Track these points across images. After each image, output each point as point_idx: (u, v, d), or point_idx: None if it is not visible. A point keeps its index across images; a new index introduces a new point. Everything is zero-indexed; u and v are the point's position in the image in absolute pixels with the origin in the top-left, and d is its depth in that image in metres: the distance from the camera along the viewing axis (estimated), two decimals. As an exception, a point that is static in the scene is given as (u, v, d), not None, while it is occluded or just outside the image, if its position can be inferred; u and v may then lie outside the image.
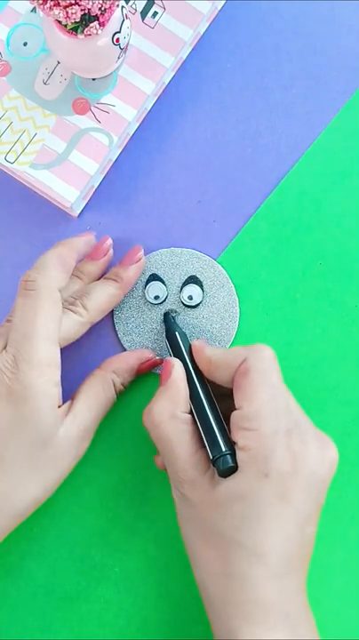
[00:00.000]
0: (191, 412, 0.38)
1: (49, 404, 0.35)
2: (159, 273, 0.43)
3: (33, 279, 0.36)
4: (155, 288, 0.43)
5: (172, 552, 0.41)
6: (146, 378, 0.42)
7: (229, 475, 0.34)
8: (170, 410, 0.37)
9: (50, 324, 0.36)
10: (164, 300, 0.43)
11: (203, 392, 0.38)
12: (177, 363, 0.39)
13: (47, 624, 0.41)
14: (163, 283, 0.43)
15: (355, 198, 0.44)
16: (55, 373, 0.36)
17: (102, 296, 0.40)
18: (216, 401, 0.38)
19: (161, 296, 0.43)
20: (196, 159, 0.45)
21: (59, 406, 0.37)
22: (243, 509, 0.33)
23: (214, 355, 0.38)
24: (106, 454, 0.42)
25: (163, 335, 0.42)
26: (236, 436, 0.35)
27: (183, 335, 0.41)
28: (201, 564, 0.35)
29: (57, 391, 0.36)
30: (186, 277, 0.43)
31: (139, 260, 0.42)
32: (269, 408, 0.35)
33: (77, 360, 0.41)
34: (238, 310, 0.43)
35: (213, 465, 0.35)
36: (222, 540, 0.34)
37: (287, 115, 0.45)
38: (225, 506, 0.34)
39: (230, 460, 0.35)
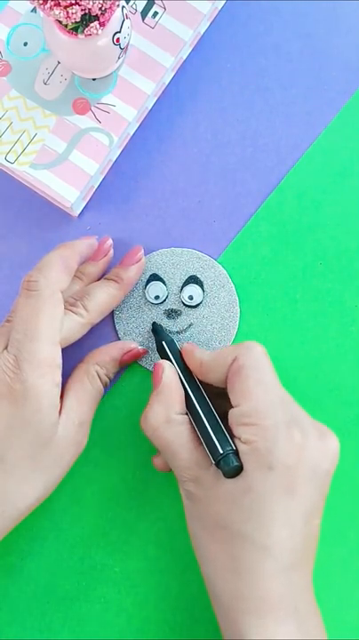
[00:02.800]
0: (187, 412, 0.38)
1: (50, 404, 0.36)
2: (159, 273, 0.43)
3: (35, 280, 0.36)
4: (155, 288, 0.43)
5: (172, 552, 0.41)
6: (146, 378, 0.42)
7: (235, 475, 0.34)
8: (164, 414, 0.37)
9: (52, 325, 0.36)
10: (165, 300, 0.43)
11: (197, 396, 0.38)
12: (167, 365, 0.39)
13: (47, 624, 0.41)
14: (164, 283, 0.43)
15: (354, 198, 0.44)
16: (56, 373, 0.36)
17: (103, 297, 0.40)
18: (212, 400, 0.38)
19: (161, 296, 0.43)
20: (196, 159, 0.45)
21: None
22: (248, 503, 0.34)
23: (204, 356, 0.38)
24: (106, 454, 0.42)
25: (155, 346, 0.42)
26: (237, 431, 0.35)
27: (171, 343, 0.41)
28: (209, 560, 0.35)
29: (57, 391, 0.36)
30: (186, 277, 0.43)
31: (140, 260, 0.42)
32: (266, 402, 0.35)
33: (78, 360, 0.41)
34: (238, 310, 0.43)
35: (217, 467, 0.35)
36: (229, 535, 0.34)
37: (287, 115, 0.45)
38: (230, 500, 0.34)
39: (234, 460, 0.34)
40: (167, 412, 0.37)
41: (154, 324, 0.42)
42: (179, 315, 0.43)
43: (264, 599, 0.33)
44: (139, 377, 0.43)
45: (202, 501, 0.35)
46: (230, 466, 0.34)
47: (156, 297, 0.43)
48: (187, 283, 0.43)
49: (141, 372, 0.43)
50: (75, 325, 0.38)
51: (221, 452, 0.35)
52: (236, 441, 0.35)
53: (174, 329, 0.43)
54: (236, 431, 0.35)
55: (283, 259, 0.44)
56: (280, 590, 0.33)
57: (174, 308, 0.43)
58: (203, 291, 0.43)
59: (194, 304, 0.43)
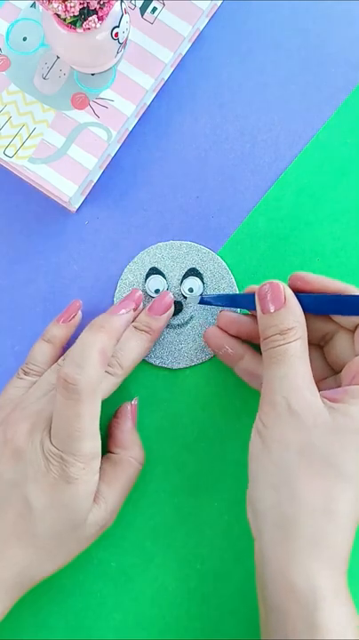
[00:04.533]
0: None
1: (87, 491, 0.36)
2: (159, 266, 0.43)
3: (73, 382, 0.34)
4: (155, 281, 0.43)
5: (169, 547, 0.41)
6: (146, 378, 0.42)
7: None
8: (300, 326, 0.35)
9: (93, 423, 0.35)
10: None
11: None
12: (284, 284, 0.37)
13: (43, 618, 0.41)
14: (164, 276, 0.43)
15: (353, 194, 0.44)
16: (97, 463, 0.36)
17: (137, 351, 0.40)
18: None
19: (161, 289, 0.43)
20: (195, 154, 0.45)
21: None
22: (354, 441, 0.33)
23: (344, 288, 0.37)
24: (103, 450, 0.42)
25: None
26: None
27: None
28: (299, 495, 0.33)
29: (96, 479, 0.36)
30: (186, 270, 0.43)
31: (169, 307, 0.42)
32: None
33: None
34: (238, 301, 0.43)
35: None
36: (335, 473, 0.33)
37: (286, 111, 0.45)
38: (346, 436, 0.33)
39: None
40: (300, 325, 0.35)
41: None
42: (179, 307, 0.43)
43: (342, 548, 0.32)
44: (137, 372, 0.43)
45: (309, 429, 0.33)
46: None
47: (157, 290, 0.43)
48: (186, 275, 0.43)
49: (140, 367, 0.43)
50: (111, 386, 0.39)
51: None
52: (357, 388, 0.34)
53: (175, 322, 0.43)
54: None
55: (281, 254, 0.44)
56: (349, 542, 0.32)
57: (175, 301, 0.43)
58: (203, 283, 0.43)
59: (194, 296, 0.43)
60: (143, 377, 0.43)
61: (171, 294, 0.42)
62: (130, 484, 0.39)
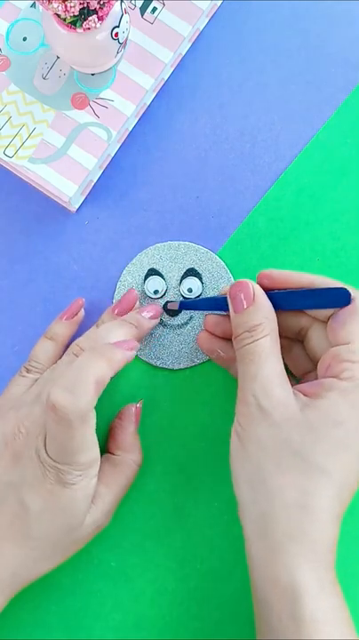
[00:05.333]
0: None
1: (85, 495, 0.36)
2: (157, 267, 0.43)
3: (63, 410, 0.33)
4: (154, 282, 0.43)
5: (169, 547, 0.41)
6: (146, 378, 0.42)
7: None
8: (268, 322, 0.35)
9: (88, 439, 0.35)
10: (164, 294, 0.43)
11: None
12: (252, 282, 0.37)
13: (42, 617, 0.41)
14: (162, 277, 0.43)
15: (353, 194, 0.44)
16: (96, 468, 0.36)
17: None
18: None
19: (160, 290, 0.43)
20: (195, 155, 0.45)
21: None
22: (338, 435, 0.33)
23: (314, 280, 0.37)
24: (102, 450, 0.42)
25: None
26: (338, 367, 0.34)
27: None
28: (272, 491, 0.33)
29: (94, 482, 0.36)
30: (184, 270, 0.43)
31: (135, 301, 0.42)
32: None
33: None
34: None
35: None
36: (307, 467, 0.33)
37: (286, 111, 0.45)
38: (319, 429, 0.33)
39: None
40: (269, 322, 0.36)
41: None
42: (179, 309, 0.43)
43: (325, 545, 0.32)
44: (137, 372, 0.43)
45: (280, 425, 0.33)
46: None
47: (156, 291, 0.43)
48: (185, 276, 0.43)
49: (140, 368, 0.43)
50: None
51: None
52: (330, 380, 0.34)
53: (175, 323, 0.43)
54: (337, 367, 0.34)
55: (281, 254, 0.44)
56: (336, 538, 0.32)
57: (174, 301, 0.43)
58: (202, 283, 0.43)
59: (193, 297, 0.43)
60: (143, 377, 0.43)
61: (135, 291, 0.42)
62: (127, 486, 0.39)
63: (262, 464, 0.34)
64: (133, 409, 0.41)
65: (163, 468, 0.42)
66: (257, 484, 0.34)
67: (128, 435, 0.41)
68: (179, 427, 0.42)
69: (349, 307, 0.36)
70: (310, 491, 0.32)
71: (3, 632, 0.40)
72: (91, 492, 0.36)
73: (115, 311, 0.41)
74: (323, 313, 0.37)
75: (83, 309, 0.42)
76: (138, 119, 0.45)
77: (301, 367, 0.40)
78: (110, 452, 0.40)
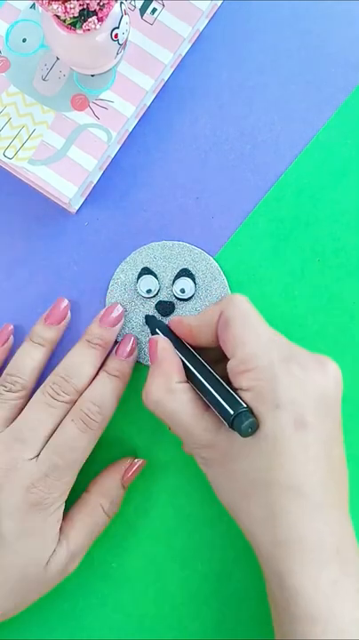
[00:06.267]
0: (188, 381, 0.37)
1: (56, 521, 0.38)
2: (151, 266, 0.43)
3: (95, 419, 0.38)
4: (147, 282, 0.43)
5: (170, 548, 0.41)
6: (145, 378, 0.42)
7: (252, 433, 0.34)
8: (165, 385, 0.37)
9: (86, 456, 0.39)
10: (157, 294, 0.43)
11: (195, 363, 0.38)
12: (160, 337, 0.39)
13: (44, 619, 0.41)
14: (155, 276, 0.43)
15: (353, 195, 0.44)
16: (66, 494, 0.38)
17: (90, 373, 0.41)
18: (212, 367, 0.38)
19: (153, 289, 0.43)
20: (195, 155, 0.45)
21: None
22: (266, 448, 0.33)
23: (192, 320, 0.39)
24: (103, 450, 0.42)
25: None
26: (237, 382, 0.35)
27: (165, 328, 0.41)
28: (244, 516, 0.35)
29: (61, 512, 0.38)
30: (178, 270, 0.43)
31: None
32: (259, 344, 0.35)
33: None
34: (231, 303, 0.43)
35: (232, 429, 0.34)
36: (257, 486, 0.34)
37: (286, 111, 0.45)
38: (247, 452, 0.34)
39: (248, 416, 0.33)
40: (168, 382, 0.37)
41: (146, 316, 0.42)
42: (171, 308, 0.43)
43: (303, 541, 0.32)
44: (135, 373, 0.43)
45: (222, 464, 0.35)
46: (244, 423, 0.33)
47: (148, 291, 0.43)
48: (178, 276, 0.43)
49: (138, 368, 0.43)
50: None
51: (232, 412, 0.34)
52: (239, 392, 0.35)
53: (167, 323, 0.43)
54: (237, 381, 0.35)
55: (282, 255, 0.44)
56: (318, 530, 0.33)
57: (166, 301, 0.43)
58: (195, 284, 0.43)
59: (186, 297, 0.43)
60: (142, 378, 0.42)
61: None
62: (95, 529, 0.39)
63: (228, 496, 0.36)
64: (128, 462, 0.41)
65: (163, 469, 0.42)
66: (232, 511, 0.36)
67: (110, 479, 0.41)
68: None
69: (220, 322, 0.37)
70: (270, 502, 0.33)
71: (3, 633, 0.40)
72: (59, 518, 0.38)
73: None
74: (211, 339, 0.38)
75: (69, 311, 0.42)
76: (138, 120, 0.45)
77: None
78: (87, 490, 0.41)
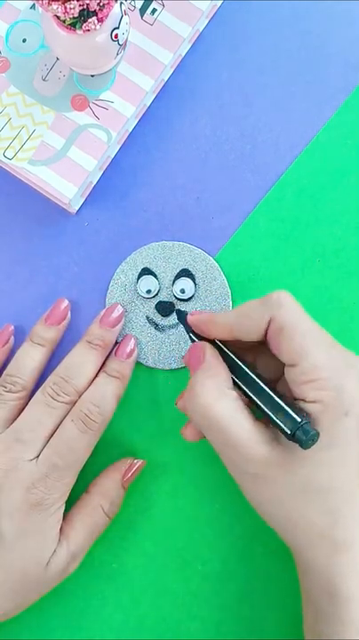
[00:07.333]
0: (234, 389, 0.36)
1: (56, 522, 0.38)
2: (151, 267, 0.43)
3: (95, 420, 0.39)
4: (146, 282, 0.43)
5: (170, 548, 0.41)
6: (145, 379, 0.42)
7: (312, 444, 0.32)
8: (216, 389, 0.34)
9: (87, 457, 0.39)
10: (157, 294, 0.43)
11: (242, 370, 0.36)
12: (206, 343, 0.37)
13: (44, 619, 0.41)
14: (155, 276, 0.43)
15: (353, 195, 0.44)
16: (67, 495, 0.38)
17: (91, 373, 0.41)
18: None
19: (153, 290, 0.43)
20: (195, 156, 0.45)
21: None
22: (329, 456, 0.33)
23: (230, 320, 0.36)
24: (103, 451, 0.42)
25: (183, 330, 0.42)
26: (301, 392, 0.34)
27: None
28: (300, 529, 0.34)
29: (61, 513, 0.38)
30: (178, 271, 0.43)
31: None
32: (321, 354, 0.34)
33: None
34: (231, 303, 0.43)
35: (292, 439, 0.32)
36: (318, 495, 0.33)
37: (286, 112, 0.45)
38: (308, 463, 0.33)
39: (310, 429, 0.32)
40: (219, 387, 0.35)
41: (177, 311, 0.41)
42: (171, 308, 0.43)
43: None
44: (135, 372, 0.43)
45: (276, 478, 0.33)
46: (310, 434, 0.31)
47: (148, 291, 0.43)
48: (178, 276, 0.43)
49: (138, 368, 0.43)
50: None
51: (299, 420, 0.32)
52: (302, 403, 0.34)
53: (166, 323, 0.43)
54: (300, 391, 0.33)
55: (282, 255, 0.44)
56: None
57: (166, 301, 0.43)
58: (195, 284, 0.43)
59: (186, 297, 0.43)
60: (142, 379, 0.43)
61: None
62: (95, 530, 0.39)
63: (285, 505, 0.34)
64: (128, 463, 0.41)
65: (163, 469, 0.42)
66: (283, 524, 0.35)
67: (110, 480, 0.41)
68: (179, 427, 0.42)
69: (272, 329, 0.35)
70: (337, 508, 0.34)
71: (4, 633, 0.40)
72: (59, 519, 0.38)
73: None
74: (252, 338, 0.36)
75: (69, 312, 0.42)
76: (138, 120, 0.45)
77: (271, 372, 0.38)
78: (86, 491, 0.41)
